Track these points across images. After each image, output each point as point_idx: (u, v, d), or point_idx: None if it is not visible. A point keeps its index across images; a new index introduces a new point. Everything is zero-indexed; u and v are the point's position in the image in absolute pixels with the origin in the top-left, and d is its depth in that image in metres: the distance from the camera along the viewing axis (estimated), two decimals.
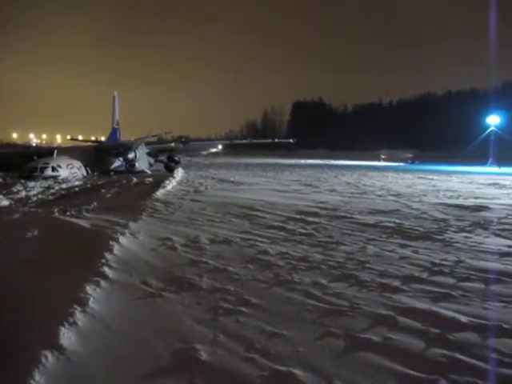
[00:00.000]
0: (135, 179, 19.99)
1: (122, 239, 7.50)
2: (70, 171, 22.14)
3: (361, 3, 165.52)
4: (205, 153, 61.67)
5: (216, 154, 60.60)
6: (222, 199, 13.31)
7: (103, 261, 6.17)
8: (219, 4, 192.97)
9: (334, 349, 3.82)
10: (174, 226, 9.00)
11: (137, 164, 25.72)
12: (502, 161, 37.09)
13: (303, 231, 8.68)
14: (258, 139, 62.42)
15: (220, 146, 52.10)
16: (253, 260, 6.56)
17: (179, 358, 3.64)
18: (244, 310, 4.64)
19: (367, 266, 6.30)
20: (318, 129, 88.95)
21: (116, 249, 6.86)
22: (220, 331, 4.11)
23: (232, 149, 68.30)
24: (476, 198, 14.49)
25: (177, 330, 4.13)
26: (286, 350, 3.79)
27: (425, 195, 15.11)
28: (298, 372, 3.42)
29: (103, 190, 15.81)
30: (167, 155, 30.44)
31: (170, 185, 17.47)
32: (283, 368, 3.48)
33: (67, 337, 3.88)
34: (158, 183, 17.56)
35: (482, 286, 5.46)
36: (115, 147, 26.24)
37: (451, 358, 3.64)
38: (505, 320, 4.37)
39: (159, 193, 14.57)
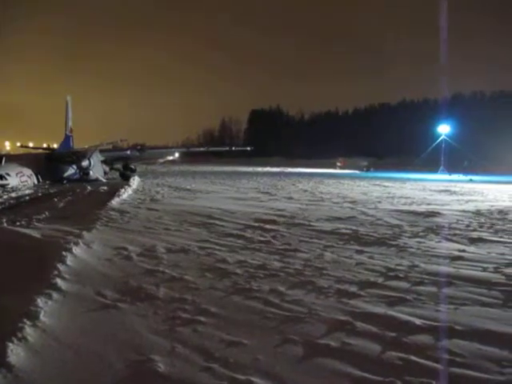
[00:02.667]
0: (89, 188, 19.51)
1: (76, 249, 7.28)
2: (20, 179, 21.35)
3: (319, 13, 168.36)
4: (161, 160, 60.88)
5: (173, 162, 59.98)
6: (178, 207, 13.17)
7: (55, 272, 5.95)
8: (173, 14, 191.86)
9: (293, 355, 3.83)
10: (130, 235, 8.82)
11: (91, 172, 25.11)
12: (452, 168, 38.59)
13: (261, 239, 8.70)
14: (216, 147, 62.40)
15: (177, 154, 51.63)
16: (211, 269, 6.51)
17: (135, 370, 3.55)
18: (202, 319, 4.59)
19: (325, 272, 6.37)
20: (276, 137, 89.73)
21: (69, 259, 6.65)
22: (178, 342, 4.04)
23: (189, 157, 67.79)
24: (428, 204, 14.98)
25: (133, 342, 4.02)
26: (245, 358, 3.76)
27: (380, 202, 15.48)
28: (257, 380, 3.40)
29: (56, 199, 15.31)
30: (123, 163, 29.88)
31: (126, 193, 17.14)
32: (242, 377, 3.45)
33: (15, 353, 3.70)
34: (113, 192, 17.20)
35: (435, 289, 5.63)
36: (68, 155, 25.54)
37: (406, 360, 3.72)
38: (456, 321, 4.51)
39: (114, 201, 14.26)
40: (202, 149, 53.41)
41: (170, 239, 8.56)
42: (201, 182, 25.08)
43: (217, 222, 10.66)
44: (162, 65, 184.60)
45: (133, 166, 30.15)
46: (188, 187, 21.04)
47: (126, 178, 26.27)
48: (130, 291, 5.45)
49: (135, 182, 23.51)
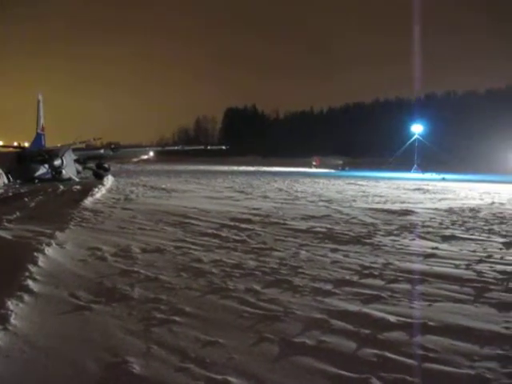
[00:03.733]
0: (62, 187, 19.16)
1: (48, 250, 7.14)
2: None
3: (296, 14, 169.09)
4: (136, 160, 60.40)
5: (148, 161, 59.51)
6: (153, 207, 13.06)
7: (27, 274, 5.82)
8: (148, 14, 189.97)
9: (270, 354, 3.83)
10: (104, 236, 8.70)
11: (64, 171, 24.65)
12: (425, 167, 39.29)
13: (237, 238, 8.69)
14: (191, 146, 62.01)
15: (152, 153, 51.26)
16: (186, 268, 6.47)
17: (110, 372, 3.50)
18: (178, 319, 4.56)
19: (300, 271, 6.40)
20: (251, 136, 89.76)
21: (41, 260, 6.52)
22: (153, 342, 4.00)
23: (164, 156, 67.41)
24: (402, 202, 15.21)
25: (108, 344, 3.96)
26: (221, 357, 3.75)
27: (354, 200, 15.64)
28: (233, 379, 3.39)
29: (27, 199, 14.97)
30: (96, 162, 29.44)
31: (100, 193, 16.90)
32: (218, 376, 3.44)
33: None
34: (87, 191, 16.92)
35: (409, 286, 5.72)
36: (40, 154, 24.98)
37: (381, 356, 3.76)
38: (430, 317, 4.59)
39: (88, 201, 14.04)
40: (176, 147, 53.08)
41: (145, 239, 8.48)
42: (176, 181, 24.91)
43: (192, 221, 10.60)
44: (137, 64, 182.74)
45: (106, 165, 29.75)
46: (163, 186, 20.86)
47: (99, 178, 25.87)
48: (104, 292, 5.37)
49: (109, 181, 23.19)
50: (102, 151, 30.40)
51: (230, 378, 3.41)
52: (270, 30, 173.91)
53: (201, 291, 5.47)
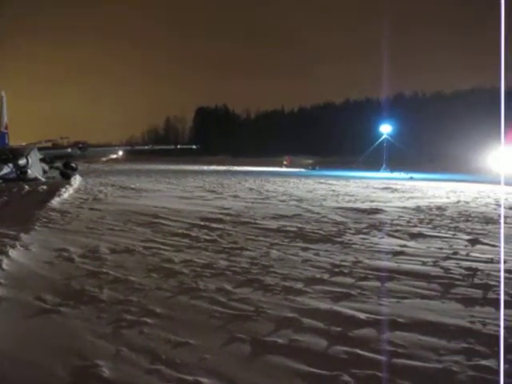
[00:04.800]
0: (27, 187, 18.65)
1: (12, 252, 6.94)
2: None
3: (265, 14, 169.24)
4: (105, 159, 59.45)
5: (117, 161, 58.63)
6: (123, 207, 12.87)
7: None
8: (109, 16, 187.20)
9: (241, 354, 3.82)
10: (71, 237, 8.53)
11: (29, 171, 24.00)
12: (393, 166, 40.00)
13: (208, 238, 8.65)
14: (161, 145, 61.40)
15: (121, 152, 50.51)
16: (156, 269, 6.40)
17: (79, 376, 3.42)
18: (148, 320, 4.50)
19: (271, 270, 6.41)
20: (222, 135, 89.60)
21: (5, 263, 6.33)
22: (123, 345, 3.93)
23: (134, 155, 66.61)
24: (372, 201, 15.44)
25: (76, 347, 3.88)
26: (192, 358, 3.72)
27: (325, 200, 15.78)
28: (204, 380, 3.37)
29: None
30: (63, 162, 28.81)
31: (67, 193, 16.56)
32: (189, 377, 3.40)
33: None
34: (53, 191, 16.54)
35: (378, 283, 5.80)
36: (4, 153, 24.24)
37: (352, 353, 3.80)
38: (398, 314, 4.67)
39: (54, 201, 13.73)
40: (146, 147, 52.53)
41: (114, 239, 8.35)
42: (146, 181, 24.63)
43: (162, 221, 10.50)
44: (104, 65, 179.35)
45: (74, 165, 29.12)
46: (132, 186, 20.60)
47: (67, 177, 25.31)
48: (72, 294, 5.26)
49: (77, 181, 22.77)
50: (69, 150, 29.73)
51: (201, 379, 3.38)
52: (238, 30, 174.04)
53: (171, 292, 5.42)
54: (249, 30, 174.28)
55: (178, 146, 47.78)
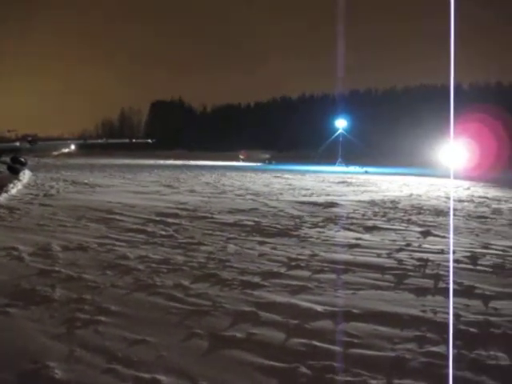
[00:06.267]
0: None
1: None
2: None
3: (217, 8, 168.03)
4: (56, 153, 57.49)
5: (69, 155, 56.87)
6: (75, 203, 12.52)
7: None
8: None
9: (199, 350, 3.80)
10: (21, 234, 8.21)
11: None
12: (348, 161, 40.81)
13: (164, 233, 8.53)
14: (115, 139, 60.08)
15: (73, 146, 49.04)
16: (111, 266, 6.26)
17: (28, 379, 3.30)
18: (103, 319, 4.39)
19: (228, 264, 6.40)
20: (178, 129, 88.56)
21: None
22: (77, 345, 3.82)
23: (87, 149, 64.89)
24: (327, 195, 15.67)
25: (26, 350, 3.73)
26: (149, 356, 3.66)
27: (281, 194, 15.89)
28: (162, 377, 3.32)
29: None
30: (11, 156, 27.69)
31: (15, 188, 15.91)
32: (147, 375, 3.35)
33: None
34: (0, 187, 15.87)
35: (334, 276, 5.90)
36: None
37: (309, 345, 3.85)
38: (354, 305, 4.77)
39: (2, 198, 13.19)
40: (100, 141, 51.29)
41: (67, 236, 8.10)
42: (100, 176, 24.05)
43: (117, 216, 10.28)
44: (53, 58, 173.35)
45: (23, 159, 27.99)
46: (86, 181, 20.05)
47: (15, 172, 24.31)
48: (21, 295, 5.06)
49: (26, 176, 21.94)
50: (17, 144, 28.60)
51: (158, 377, 3.33)
52: (192, 25, 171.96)
53: (127, 289, 5.32)
54: (200, 24, 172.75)
55: (134, 140, 47.02)
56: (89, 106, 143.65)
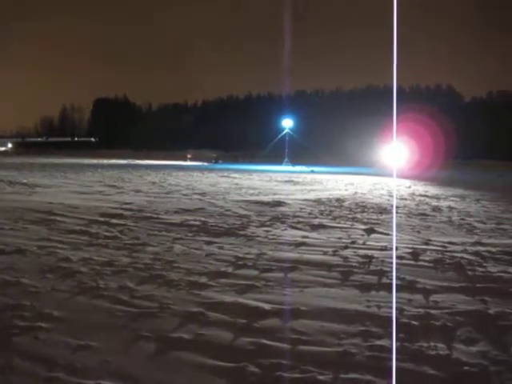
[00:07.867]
0: None
1: None
2: None
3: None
4: None
5: (5, 154, 54.33)
6: (13, 204, 11.93)
7: None
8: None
9: (146, 352, 3.71)
10: None
11: None
12: (295, 160, 41.39)
13: (108, 234, 8.30)
14: (56, 137, 58.00)
15: (10, 145, 47.02)
16: (52, 269, 6.01)
17: None
18: (44, 325, 4.19)
19: (175, 265, 6.31)
20: (123, 128, 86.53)
21: None
22: (15, 354, 3.61)
23: (25, 148, 62.23)
24: (274, 194, 15.81)
25: None
26: (93, 361, 3.53)
27: (228, 193, 15.88)
28: (107, 383, 3.22)
29: None
30: None
31: None
32: (91, 382, 3.23)
33: None
34: None
35: (282, 274, 5.95)
36: None
37: (257, 344, 3.85)
38: (301, 303, 4.82)
39: None
40: (40, 139, 49.37)
41: (3, 240, 7.69)
42: (39, 176, 23.09)
43: (58, 218, 9.90)
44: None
45: None
46: (24, 181, 19.20)
47: None
48: None
49: None
50: None
51: (103, 382, 3.22)
52: (134, 22, 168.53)
53: (69, 292, 5.12)
54: (143, 23, 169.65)
55: (76, 139, 45.62)
56: (26, 102, 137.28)
